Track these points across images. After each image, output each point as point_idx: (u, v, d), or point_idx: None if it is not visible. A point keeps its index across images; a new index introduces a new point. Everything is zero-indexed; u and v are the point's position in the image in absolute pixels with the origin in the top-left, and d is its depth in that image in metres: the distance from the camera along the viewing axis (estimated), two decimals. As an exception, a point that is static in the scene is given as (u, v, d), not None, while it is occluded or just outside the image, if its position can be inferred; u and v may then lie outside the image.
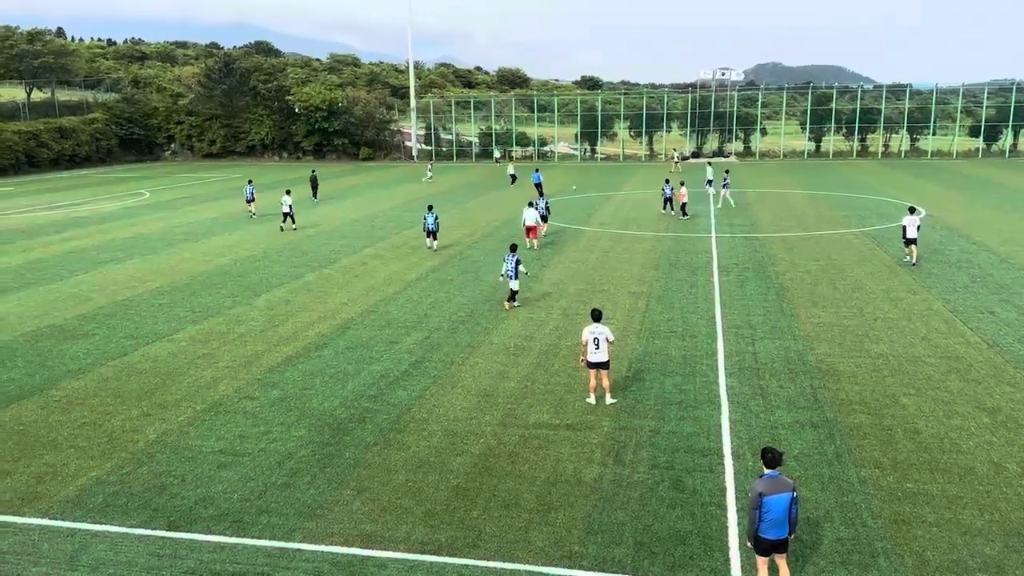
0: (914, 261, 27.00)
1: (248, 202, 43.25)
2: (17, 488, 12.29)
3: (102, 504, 11.73)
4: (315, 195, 50.37)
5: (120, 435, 14.19)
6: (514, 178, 57.64)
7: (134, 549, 10.52)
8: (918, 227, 27.17)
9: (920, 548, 10.21)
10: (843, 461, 12.65)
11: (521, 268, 22.49)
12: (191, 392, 16.26)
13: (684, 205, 39.14)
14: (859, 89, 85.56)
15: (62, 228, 39.60)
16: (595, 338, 14.83)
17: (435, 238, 31.85)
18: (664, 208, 41.15)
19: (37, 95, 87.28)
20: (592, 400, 15.24)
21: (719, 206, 42.61)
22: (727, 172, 46.64)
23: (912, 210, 28.07)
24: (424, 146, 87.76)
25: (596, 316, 15.35)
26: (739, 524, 10.77)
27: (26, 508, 11.66)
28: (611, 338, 14.99)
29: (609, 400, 15.17)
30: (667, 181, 42.48)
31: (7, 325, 21.63)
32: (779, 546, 9.05)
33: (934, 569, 9.76)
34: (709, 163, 54.40)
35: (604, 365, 15.03)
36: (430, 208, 32.79)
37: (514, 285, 22.41)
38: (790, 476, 10.81)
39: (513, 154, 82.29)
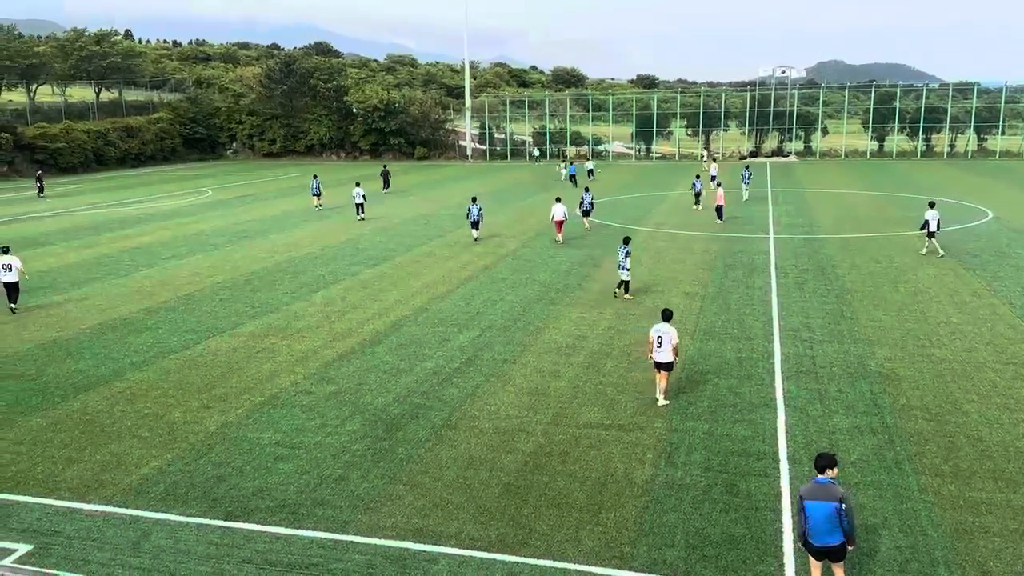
0: (942, 253, 28.16)
1: (315, 195, 45.45)
2: (83, 475, 12.72)
3: (163, 493, 12.07)
4: (387, 186, 54.40)
5: (181, 426, 14.59)
6: (574, 178, 57.50)
7: (193, 538, 10.80)
8: (938, 220, 28.52)
9: (983, 559, 9.90)
10: (903, 468, 12.34)
11: (628, 261, 22.98)
12: (250, 386, 16.62)
13: (720, 208, 37.06)
14: (924, 87, 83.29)
15: (127, 224, 40.85)
16: (659, 337, 14.82)
17: (478, 228, 33.73)
18: (696, 203, 42.44)
19: (105, 95, 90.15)
20: (660, 402, 15.06)
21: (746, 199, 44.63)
22: (747, 167, 50.03)
23: (932, 204, 29.07)
24: (479, 145, 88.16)
25: (666, 316, 15.27)
26: (794, 530, 10.57)
27: (91, 495, 12.06)
28: (675, 341, 14.81)
29: (661, 402, 15.07)
30: (698, 176, 44.07)
31: (75, 319, 22.40)
32: (829, 553, 8.83)
33: (998, 581, 9.46)
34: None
35: (666, 366, 14.97)
36: (474, 200, 34.62)
37: (624, 276, 22.94)
38: (846, 483, 10.59)
39: (567, 152, 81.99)
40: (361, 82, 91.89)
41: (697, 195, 42.81)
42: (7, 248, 24.10)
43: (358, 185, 41.16)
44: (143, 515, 11.43)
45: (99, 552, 10.48)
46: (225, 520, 11.21)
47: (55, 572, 5.16)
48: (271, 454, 13.31)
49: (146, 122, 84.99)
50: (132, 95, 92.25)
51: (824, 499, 8.67)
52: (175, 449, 13.61)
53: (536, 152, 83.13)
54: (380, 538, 10.67)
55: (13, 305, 23.28)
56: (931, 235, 28.38)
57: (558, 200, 34.13)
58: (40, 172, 60.25)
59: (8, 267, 23.29)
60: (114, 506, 11.71)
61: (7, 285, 23.26)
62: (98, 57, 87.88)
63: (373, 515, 11.27)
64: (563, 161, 68.94)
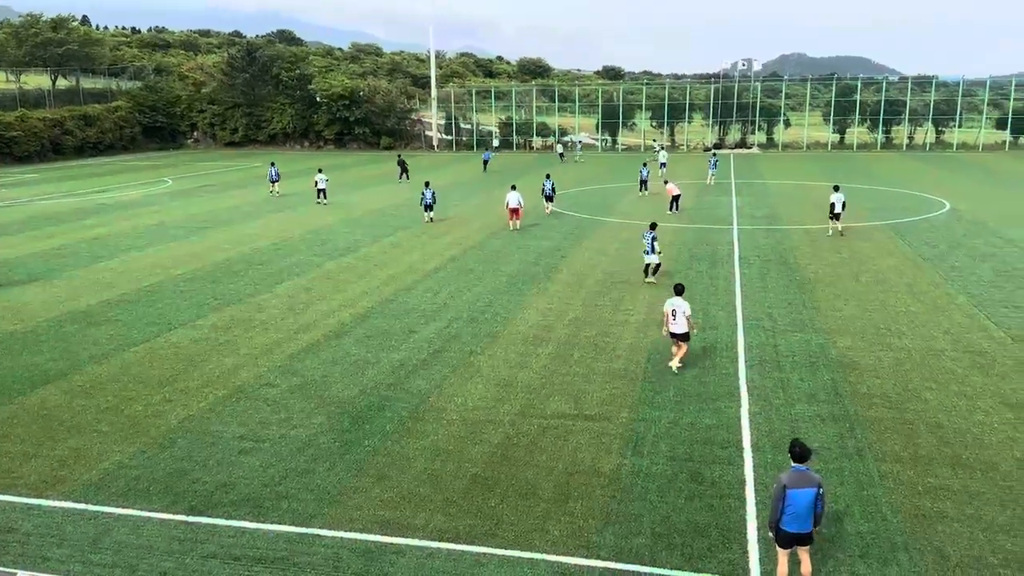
0: (841, 233, 30.91)
1: (272, 183, 46.23)
2: (41, 471, 12.46)
3: (124, 488, 11.87)
4: (407, 176, 53.50)
5: (142, 420, 14.35)
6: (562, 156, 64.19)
7: (155, 533, 10.64)
8: (843, 203, 31.02)
9: (940, 543, 10.12)
10: (864, 455, 12.56)
11: (656, 245, 23.89)
12: (212, 378, 16.40)
13: (675, 199, 37.40)
14: (884, 81, 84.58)
15: (86, 215, 40.03)
16: (673, 310, 16.00)
17: (431, 211, 35.80)
18: (641, 190, 44.58)
19: (62, 83, 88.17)
20: (674, 367, 16.19)
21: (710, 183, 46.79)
22: (715, 155, 54.78)
23: (836, 188, 31.87)
24: (445, 136, 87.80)
25: (678, 291, 16.36)
26: (758, 517, 10.72)
27: (50, 491, 11.82)
28: (688, 312, 16.01)
29: (676, 366, 16.22)
30: (644, 164, 46.51)
31: (32, 311, 21.91)
32: (801, 539, 9.00)
33: (955, 565, 9.68)
34: (662, 147, 59.26)
35: (682, 337, 16.20)
36: (427, 184, 36.83)
37: (652, 259, 23.77)
38: (813, 470, 10.67)
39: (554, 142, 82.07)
40: (325, 71, 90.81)
41: (643, 182, 44.94)
42: None
43: (320, 171, 44.00)
44: (103, 510, 11.23)
45: (58, 549, 10.28)
46: (188, 515, 11.06)
47: (14, 571, 5.05)
48: (235, 448, 13.16)
49: (104, 111, 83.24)
50: (90, 83, 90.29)
51: (806, 486, 8.81)
52: (136, 443, 13.39)
53: (496, 144, 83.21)
54: (346, 531, 10.60)
55: None
56: (836, 216, 30.93)
57: (513, 187, 34.70)
58: None
59: None
60: (73, 502, 11.49)
61: None
62: (54, 44, 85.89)
63: (339, 508, 11.19)
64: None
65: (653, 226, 24.46)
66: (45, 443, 13.48)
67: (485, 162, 62.70)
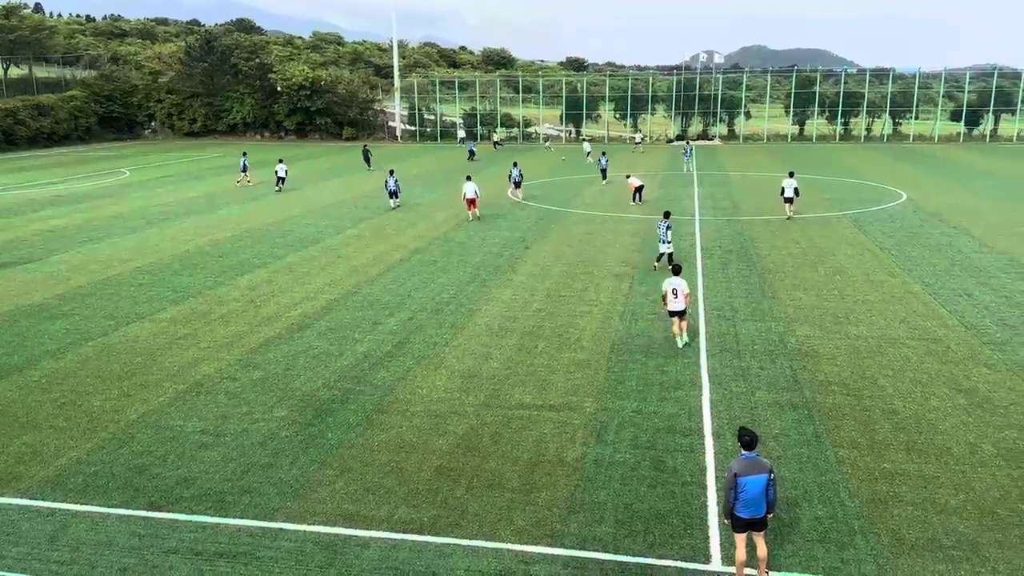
0: (790, 217, 33.17)
1: (242, 172, 46.90)
2: (-4, 468, 12.20)
3: (82, 484, 11.67)
4: (368, 164, 55.01)
5: (100, 415, 14.11)
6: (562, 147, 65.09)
7: (115, 529, 10.49)
8: (795, 188, 33.30)
9: (896, 527, 10.36)
10: (821, 441, 12.79)
11: (670, 235, 24.44)
12: (172, 372, 16.17)
13: (638, 190, 37.70)
14: (842, 73, 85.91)
15: (40, 207, 39.12)
16: (673, 289, 16.86)
17: (396, 198, 37.55)
18: (604, 179, 45.83)
19: (14, 71, 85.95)
20: (679, 343, 17.15)
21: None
22: (688, 144, 58.44)
23: (791, 174, 34.22)
24: (408, 126, 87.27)
25: (677, 271, 17.44)
26: (718, 503, 10.88)
27: (4, 488, 11.58)
28: (686, 291, 17.00)
29: (683, 340, 17.22)
30: (604, 153, 48.93)
31: (-15, 305, 21.39)
32: (756, 524, 9.15)
33: (910, 547, 9.91)
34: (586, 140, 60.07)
35: (681, 314, 17.09)
36: (391, 172, 38.37)
37: (667, 248, 24.20)
38: (768, 457, 10.93)
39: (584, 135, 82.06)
40: (285, 60, 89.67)
41: (603, 171, 46.57)
42: None
43: (281, 161, 45.56)
44: (61, 507, 11.05)
45: (14, 547, 10.09)
46: (148, 510, 10.92)
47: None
48: (195, 442, 13.00)
49: (59, 100, 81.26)
50: (43, 72, 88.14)
51: (757, 472, 8.95)
52: (94, 439, 13.16)
53: (462, 134, 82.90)
54: (310, 524, 10.55)
55: None
56: (789, 200, 33.29)
57: (468, 178, 35.19)
58: None
59: None
60: (30, 499, 11.28)
61: None
62: (5, 31, 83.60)
63: (303, 501, 11.13)
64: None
65: (667, 215, 24.86)
66: (0, 439, 13.21)
67: (471, 152, 63.01)
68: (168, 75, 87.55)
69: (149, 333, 18.80)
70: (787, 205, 33.45)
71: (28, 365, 16.74)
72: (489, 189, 43.80)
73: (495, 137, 79.14)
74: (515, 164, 41.83)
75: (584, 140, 75.00)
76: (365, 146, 61.53)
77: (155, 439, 13.14)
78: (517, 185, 40.78)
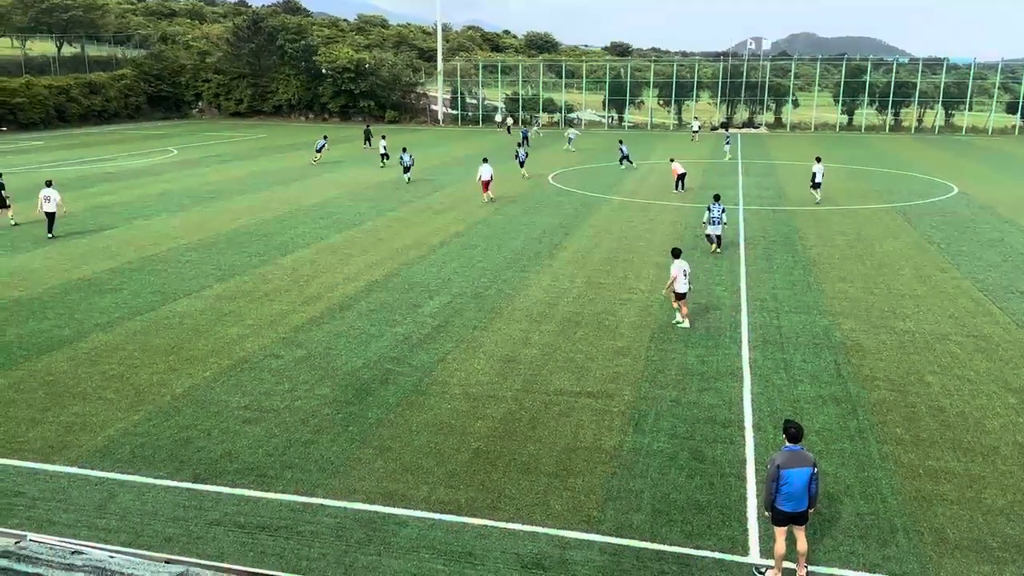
0: (818, 200, 34.12)
1: (317, 152, 48.58)
2: (47, 437, 12.55)
3: (129, 455, 11.96)
4: (369, 144, 57.39)
5: (147, 388, 14.43)
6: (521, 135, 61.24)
7: (160, 499, 10.74)
8: (823, 174, 34.43)
9: (940, 526, 10.19)
10: (865, 437, 12.61)
11: (725, 216, 25.18)
12: (217, 348, 16.46)
13: (680, 178, 37.47)
14: (894, 62, 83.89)
15: (91, 183, 39.97)
16: (684, 270, 17.33)
17: (409, 171, 40.50)
18: (621, 163, 46.82)
19: (67, 50, 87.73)
20: (685, 324, 17.63)
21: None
22: (729, 132, 58.84)
23: (818, 159, 35.39)
24: (450, 110, 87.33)
25: (678, 253, 17.84)
26: (758, 495, 10.79)
27: (56, 456, 11.92)
28: (689, 271, 17.66)
29: (686, 324, 17.69)
30: (621, 141, 49.67)
31: (38, 278, 21.95)
32: (797, 518, 9.07)
33: (953, 547, 9.74)
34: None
35: (684, 295, 17.64)
36: (404, 149, 41.88)
37: (717, 231, 24.78)
38: (809, 451, 10.76)
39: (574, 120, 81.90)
40: (330, 42, 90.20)
41: (624, 158, 47.24)
42: (50, 182, 27.74)
43: (384, 137, 49.77)
44: (109, 476, 11.33)
45: (64, 513, 10.38)
46: (193, 482, 11.16)
47: (23, 533, 5.09)
48: (239, 417, 13.24)
49: (110, 79, 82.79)
50: (95, 50, 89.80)
51: (801, 465, 8.86)
52: (141, 411, 13.47)
53: (499, 118, 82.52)
54: (350, 501, 10.69)
55: (50, 234, 26.93)
56: (817, 186, 34.15)
57: (485, 160, 35.74)
58: (3, 128, 58.54)
59: (48, 199, 26.89)
60: (79, 467, 11.59)
61: (48, 214, 27.01)
62: (59, 10, 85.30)
63: (343, 479, 11.28)
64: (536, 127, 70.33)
65: (717, 197, 25.44)
66: (51, 409, 13.57)
67: (525, 137, 59.97)
68: (215, 55, 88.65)
69: (196, 309, 19.14)
70: (815, 191, 34.33)
71: (78, 337, 17.16)
72: (533, 174, 43.76)
73: (509, 121, 78.52)
74: (519, 144, 46.66)
75: (570, 126, 74.94)
76: (367, 126, 63.16)
77: (200, 413, 13.40)
78: (522, 164, 42.66)
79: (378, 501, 10.70)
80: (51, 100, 74.93)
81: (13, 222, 29.00)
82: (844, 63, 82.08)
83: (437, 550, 9.65)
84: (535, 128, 75.71)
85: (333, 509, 10.51)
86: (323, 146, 48.88)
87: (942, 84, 77.50)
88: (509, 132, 69.00)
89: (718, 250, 24.97)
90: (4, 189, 29.32)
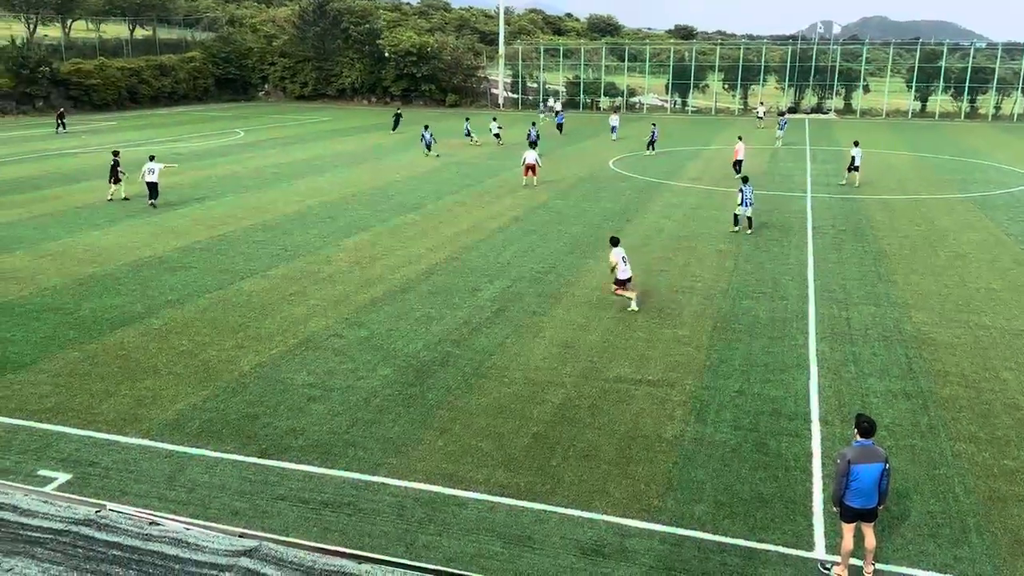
0: (857, 184, 34.33)
1: (467, 135, 50.78)
2: (120, 409, 12.96)
3: (198, 429, 12.28)
4: (394, 129, 56.86)
5: (216, 364, 14.78)
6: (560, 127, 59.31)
7: (227, 473, 11.00)
8: (861, 157, 34.64)
9: (1016, 527, 9.83)
10: (937, 434, 12.23)
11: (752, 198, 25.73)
12: (283, 327, 16.77)
13: (738, 163, 36.80)
14: (971, 47, 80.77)
15: (124, 171, 40.86)
16: (624, 257, 17.70)
17: (431, 149, 43.52)
18: (648, 149, 45.92)
19: (139, 33, 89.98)
20: (635, 306, 17.76)
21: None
22: (783, 116, 56.20)
23: (856, 143, 35.14)
24: (511, 94, 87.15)
25: (616, 242, 18.12)
26: (824, 490, 10.56)
27: (128, 428, 12.30)
28: (627, 257, 17.96)
29: (635, 306, 17.79)
30: (654, 124, 48.54)
31: (112, 255, 22.65)
32: (866, 515, 8.84)
33: (1030, 550, 9.40)
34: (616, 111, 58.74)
35: (629, 280, 17.81)
36: (426, 127, 45.05)
37: (748, 212, 25.52)
38: (880, 446, 10.48)
39: (615, 104, 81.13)
40: (393, 26, 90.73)
41: (651, 143, 46.68)
42: (153, 156, 30.86)
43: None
44: (178, 450, 11.65)
45: (136, 484, 10.71)
46: (259, 457, 11.40)
47: (102, 503, 5.24)
48: (304, 395, 13.48)
49: (179, 61, 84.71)
50: (165, 33, 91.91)
51: (872, 461, 8.64)
52: (210, 386, 13.81)
53: (552, 104, 78.59)
54: (411, 481, 10.80)
55: (153, 201, 29.46)
56: (855, 168, 34.45)
57: (532, 145, 36.80)
58: (63, 109, 60.46)
59: (152, 171, 29.30)
60: (150, 440, 11.94)
61: (149, 184, 29.36)
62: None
63: (404, 458, 11.40)
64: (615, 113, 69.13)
65: (745, 180, 26.00)
66: (124, 382, 14.00)
67: (559, 126, 58.38)
68: (282, 39, 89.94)
69: (262, 288, 19.53)
70: (854, 174, 34.50)
71: (149, 313, 17.66)
72: (588, 161, 43.44)
73: (552, 104, 75.83)
74: (533, 124, 45.80)
75: (546, 108, 73.85)
76: (398, 109, 63.22)
77: (266, 390, 13.68)
78: (533, 145, 40.69)
79: (438, 482, 10.78)
80: (123, 82, 76.99)
81: (123, 196, 30.77)
82: (918, 47, 79.32)
83: (496, 533, 9.68)
84: (543, 114, 70.88)
85: (394, 488, 10.63)
86: (468, 129, 51.11)
87: (1022, 70, 74.31)
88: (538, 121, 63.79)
89: (749, 231, 25.47)
90: (120, 165, 30.97)
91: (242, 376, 14.26)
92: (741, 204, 25.43)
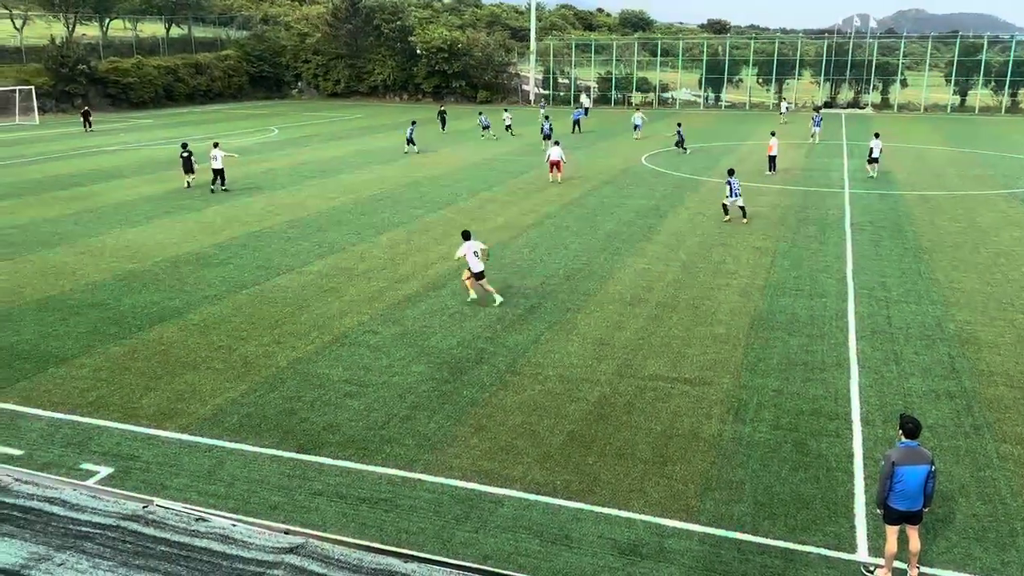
0: (874, 176, 35.00)
1: (484, 128, 52.46)
2: (160, 403, 13.12)
3: (237, 424, 12.39)
4: (443, 128, 56.86)
5: (253, 360, 14.91)
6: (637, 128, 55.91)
7: (266, 468, 11.09)
8: (880, 149, 35.06)
9: (1066, 533, 9.58)
10: (981, 434, 11.97)
11: (739, 189, 26.30)
12: (319, 323, 16.87)
13: (773, 159, 36.71)
14: (1012, 40, 78.90)
15: (198, 160, 41.39)
16: (475, 251, 17.70)
17: (413, 144, 43.68)
18: (682, 148, 44.45)
19: (175, 31, 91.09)
20: (497, 300, 17.91)
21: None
22: (817, 111, 54.88)
23: (877, 135, 36.08)
24: (542, 90, 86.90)
25: (468, 236, 18.06)
26: (867, 491, 10.38)
27: (168, 423, 12.44)
28: (483, 246, 18.11)
29: (499, 300, 17.95)
30: (679, 124, 46.52)
31: (149, 251, 22.96)
32: (910, 517, 8.67)
33: (1082, 556, 9.15)
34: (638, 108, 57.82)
35: (482, 274, 17.80)
36: (413, 122, 45.49)
37: (740, 202, 26.14)
38: (926, 447, 10.29)
39: (634, 100, 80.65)
40: (425, 22, 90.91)
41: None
42: (217, 143, 32.86)
43: (507, 111, 54.59)
44: (218, 444, 11.77)
45: (176, 478, 10.84)
46: (297, 452, 11.48)
47: (150, 498, 5.28)
48: (340, 391, 13.54)
49: (214, 59, 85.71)
50: (200, 32, 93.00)
51: (918, 463, 8.47)
52: (248, 382, 13.93)
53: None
54: (447, 477, 10.80)
55: (223, 186, 32.07)
56: (874, 160, 34.97)
57: (556, 143, 35.98)
58: (87, 108, 61.26)
59: (216, 157, 31.60)
60: (189, 434, 12.07)
61: (215, 171, 31.79)
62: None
63: (440, 455, 11.40)
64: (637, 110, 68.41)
65: (731, 172, 26.77)
66: (163, 377, 14.18)
67: (575, 122, 55.17)
68: (315, 36, 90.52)
69: (298, 284, 19.67)
70: (872, 165, 35.13)
71: (188, 309, 17.87)
72: (621, 157, 43.22)
73: (583, 100, 73.12)
74: (546, 117, 47.78)
75: (544, 103, 74.14)
76: (441, 107, 63.06)
77: (303, 385, 13.77)
78: (547, 137, 43.18)
79: (474, 479, 10.77)
80: (160, 80, 78.02)
81: (187, 184, 33.04)
82: (957, 41, 77.69)
83: (533, 531, 9.65)
84: (543, 108, 68.02)
85: (431, 484, 10.64)
86: (488, 124, 52.82)
87: (1066, 62, 72.52)
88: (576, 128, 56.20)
89: (744, 220, 26.19)
90: (192, 155, 33.16)
91: (279, 371, 14.36)
92: (730, 195, 26.02)
